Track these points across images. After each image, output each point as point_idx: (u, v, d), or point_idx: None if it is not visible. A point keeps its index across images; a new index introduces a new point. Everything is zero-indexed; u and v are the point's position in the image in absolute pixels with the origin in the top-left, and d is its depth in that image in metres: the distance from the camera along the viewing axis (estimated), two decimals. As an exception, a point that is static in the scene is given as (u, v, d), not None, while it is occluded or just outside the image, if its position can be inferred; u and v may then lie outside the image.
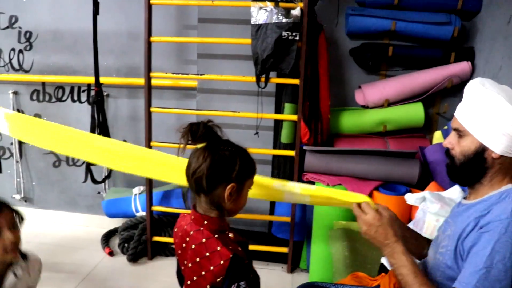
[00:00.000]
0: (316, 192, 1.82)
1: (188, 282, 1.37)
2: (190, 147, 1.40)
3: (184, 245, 1.41)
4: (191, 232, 1.39)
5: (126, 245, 3.34)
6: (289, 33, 2.70)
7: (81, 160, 3.76)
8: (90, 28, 3.09)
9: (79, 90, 3.64)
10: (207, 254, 1.31)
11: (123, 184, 3.74)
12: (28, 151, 3.83)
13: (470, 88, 1.41)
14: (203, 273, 1.32)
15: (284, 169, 3.11)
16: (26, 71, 3.66)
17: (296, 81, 2.84)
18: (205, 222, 1.37)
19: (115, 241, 3.50)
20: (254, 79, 2.84)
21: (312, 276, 2.86)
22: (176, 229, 1.49)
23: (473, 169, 1.38)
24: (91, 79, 3.30)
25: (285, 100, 3.04)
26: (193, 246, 1.36)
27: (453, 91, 3.15)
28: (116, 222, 3.66)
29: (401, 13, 3.04)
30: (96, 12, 3.05)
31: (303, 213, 3.06)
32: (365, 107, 3.19)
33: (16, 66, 3.65)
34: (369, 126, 3.17)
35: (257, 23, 2.74)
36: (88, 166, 3.31)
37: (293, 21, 2.70)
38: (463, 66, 3.04)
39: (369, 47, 3.14)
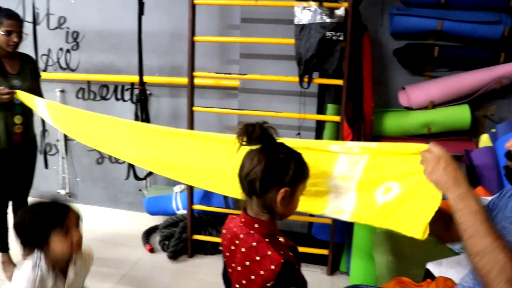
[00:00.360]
0: (378, 148, 1.61)
1: (237, 286, 1.36)
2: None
3: (233, 247, 1.40)
4: (241, 235, 1.37)
5: (166, 242, 3.39)
6: (333, 33, 2.68)
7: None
8: (134, 28, 3.15)
9: (122, 88, 3.72)
10: (258, 258, 1.30)
11: (164, 182, 3.79)
12: (73, 148, 3.94)
13: None
14: (252, 277, 1.30)
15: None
16: (73, 70, 3.77)
17: (339, 82, 2.81)
18: (256, 226, 1.36)
19: (156, 238, 3.55)
20: (297, 79, 2.83)
21: (353, 279, 2.82)
22: (224, 231, 1.48)
23: None
24: (134, 78, 3.37)
25: (327, 101, 3.02)
26: (243, 250, 1.34)
27: (502, 92, 3.05)
28: (157, 220, 3.72)
29: (448, 13, 2.96)
30: (141, 12, 3.11)
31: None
32: (409, 108, 3.13)
33: (63, 65, 3.76)
34: (413, 128, 3.10)
35: (300, 23, 2.73)
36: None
37: (337, 21, 2.68)
38: (514, 67, 2.94)
39: (414, 47, 3.08)
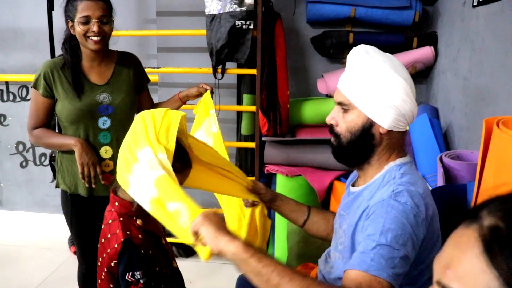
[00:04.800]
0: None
1: (98, 264, 1.34)
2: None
3: (103, 226, 1.38)
4: (106, 212, 1.37)
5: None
6: (243, 22, 2.66)
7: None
8: (47, 26, 3.04)
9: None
10: (109, 235, 1.29)
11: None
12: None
13: (354, 57, 1.25)
14: (104, 255, 1.29)
15: (246, 161, 3.07)
16: (-12, 71, 3.61)
17: (253, 71, 2.79)
18: (116, 204, 1.33)
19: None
20: (210, 70, 2.80)
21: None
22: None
23: (361, 147, 1.23)
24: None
25: (244, 91, 2.99)
26: (102, 227, 1.34)
27: (417, 77, 3.10)
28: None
29: (360, -1, 2.99)
30: (51, 7, 3.01)
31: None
32: (328, 96, 3.14)
33: (-23, 65, 3.61)
34: (332, 116, 3.11)
35: (211, 13, 2.70)
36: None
37: (246, 9, 2.66)
38: (426, 52, 2.99)
39: (330, 34, 3.09)
